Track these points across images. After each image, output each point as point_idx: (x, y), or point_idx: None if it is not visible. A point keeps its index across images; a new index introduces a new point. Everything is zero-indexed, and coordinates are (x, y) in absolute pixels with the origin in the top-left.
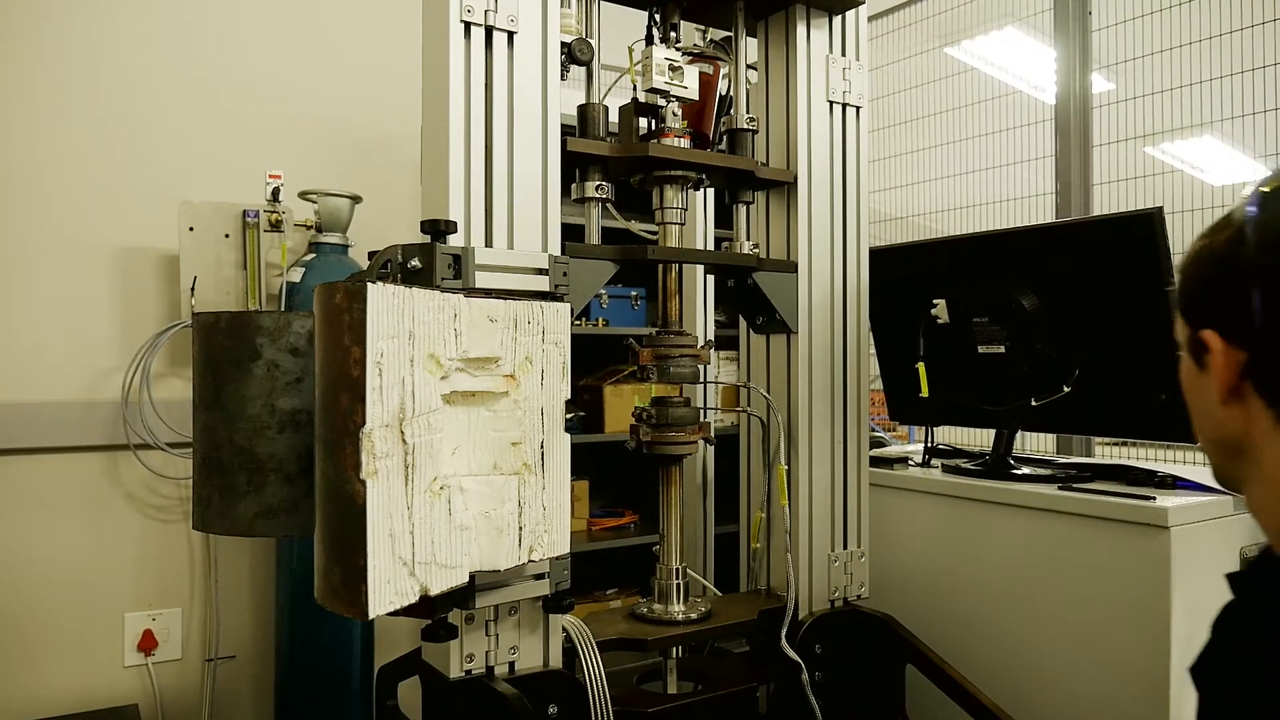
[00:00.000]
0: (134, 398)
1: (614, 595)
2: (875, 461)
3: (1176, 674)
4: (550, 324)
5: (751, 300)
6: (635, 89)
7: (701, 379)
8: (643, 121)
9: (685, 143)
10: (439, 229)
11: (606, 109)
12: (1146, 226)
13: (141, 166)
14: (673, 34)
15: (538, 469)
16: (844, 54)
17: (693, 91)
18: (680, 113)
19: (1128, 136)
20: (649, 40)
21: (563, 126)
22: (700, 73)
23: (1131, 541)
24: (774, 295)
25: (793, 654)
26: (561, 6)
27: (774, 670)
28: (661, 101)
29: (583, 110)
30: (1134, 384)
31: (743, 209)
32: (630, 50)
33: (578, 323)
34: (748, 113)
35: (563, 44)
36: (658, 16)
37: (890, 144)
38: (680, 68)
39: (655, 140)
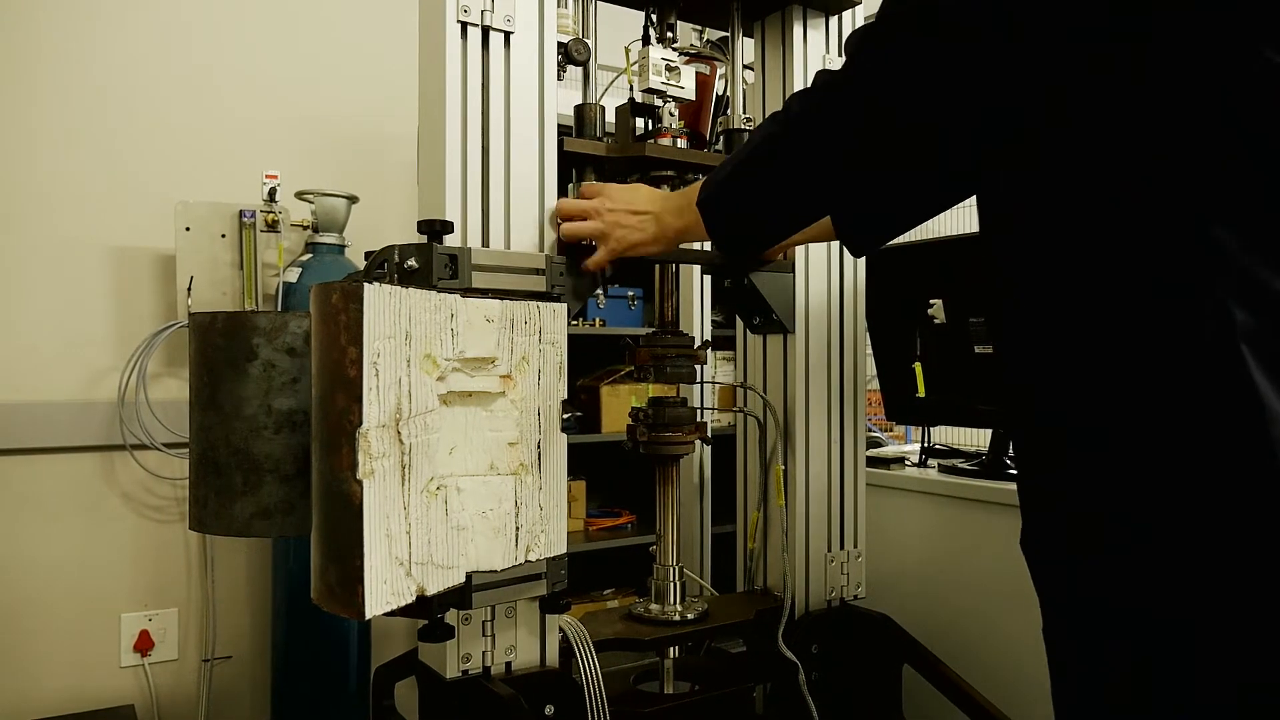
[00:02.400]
0: (130, 398)
1: (611, 595)
2: (872, 461)
3: None
4: (547, 324)
5: (748, 300)
6: (632, 89)
7: (698, 379)
8: (639, 121)
9: (682, 143)
10: (435, 229)
11: (603, 109)
12: None
13: (137, 166)
14: (669, 34)
15: (534, 469)
16: (840, 54)
17: (689, 92)
18: (677, 113)
19: None
20: (645, 40)
21: (559, 126)
22: (697, 73)
23: None
24: (770, 295)
25: (789, 654)
26: (558, 6)
27: (771, 670)
28: (658, 102)
29: (579, 110)
30: None
31: None
32: (627, 50)
33: (574, 323)
34: (744, 113)
35: (559, 44)
36: (654, 17)
37: None
38: (677, 68)
39: (652, 140)
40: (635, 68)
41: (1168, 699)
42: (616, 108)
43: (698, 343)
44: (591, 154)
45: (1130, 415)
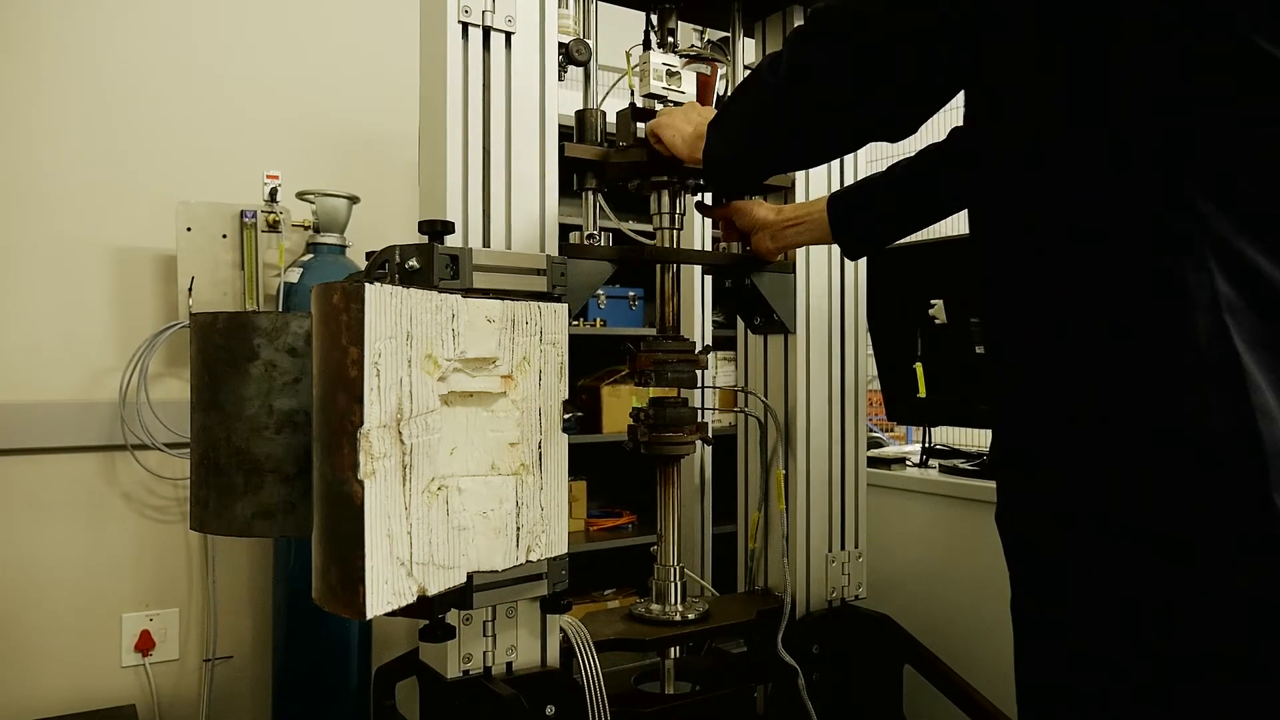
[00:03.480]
0: (131, 398)
1: (612, 595)
2: (873, 462)
3: None
4: (548, 324)
5: (749, 301)
6: (633, 93)
7: (699, 384)
8: (640, 125)
9: None
10: (436, 229)
11: (604, 114)
12: None
13: (138, 166)
14: (670, 39)
15: (535, 469)
16: None
17: (690, 96)
18: None
19: None
20: (646, 45)
21: (560, 127)
22: (698, 74)
23: None
24: (771, 296)
25: (789, 659)
26: (559, 7)
27: (772, 671)
28: (659, 106)
29: (580, 116)
30: None
31: None
32: (628, 55)
33: (575, 323)
34: None
35: (560, 44)
36: (655, 21)
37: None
38: (678, 73)
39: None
40: (636, 72)
41: (1167, 694)
42: (617, 113)
43: (699, 347)
44: (592, 159)
45: (1123, 391)
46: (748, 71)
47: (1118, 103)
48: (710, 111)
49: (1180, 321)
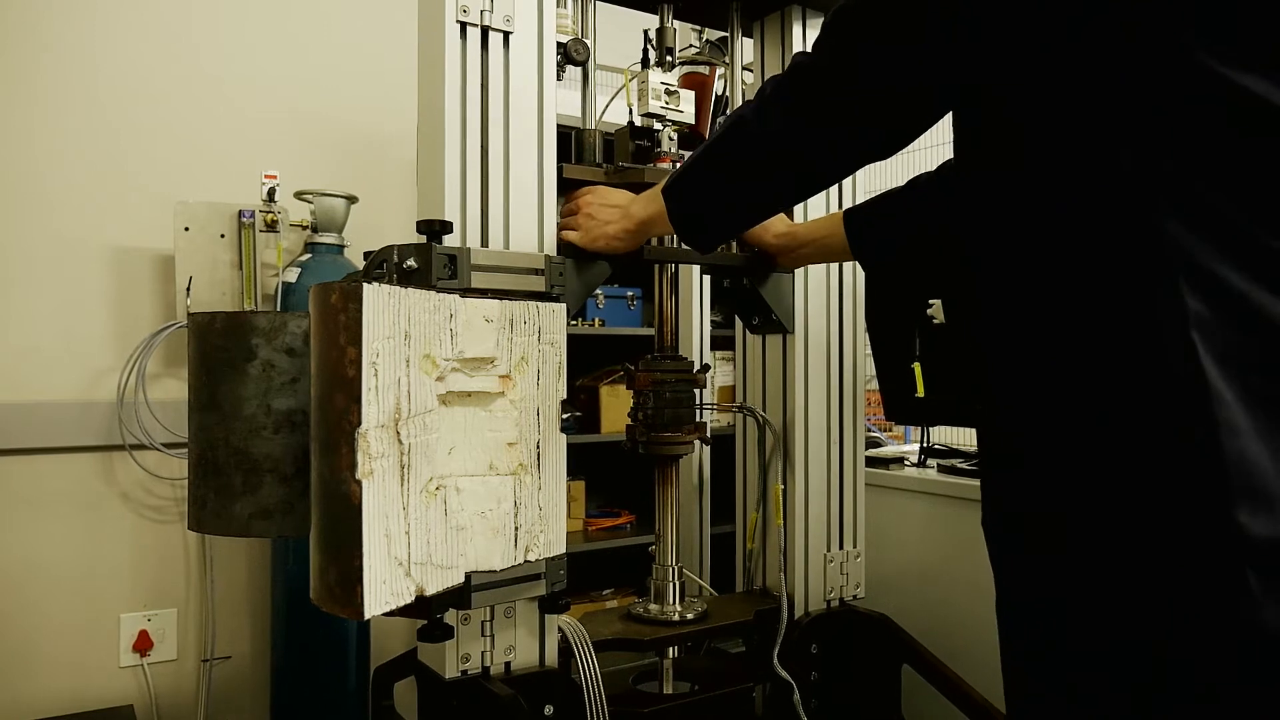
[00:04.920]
0: (129, 398)
1: (610, 595)
2: (871, 461)
3: None
4: (546, 324)
5: (748, 301)
6: (631, 112)
7: (698, 401)
8: (636, 143)
9: None
10: (435, 229)
11: (601, 133)
12: None
13: (137, 166)
14: (669, 58)
15: (534, 469)
16: None
17: (688, 116)
18: (676, 137)
19: None
20: (645, 63)
21: (558, 128)
22: (696, 74)
23: None
24: (770, 296)
25: (784, 674)
26: (557, 7)
27: (770, 672)
28: (658, 126)
29: (578, 136)
30: None
31: None
32: (626, 74)
33: (574, 323)
34: None
35: (558, 44)
36: (654, 39)
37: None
38: (676, 92)
39: (651, 165)
40: (634, 90)
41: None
42: (616, 131)
43: (696, 365)
44: (590, 180)
45: (1105, 404)
46: (746, 72)
47: (1093, 123)
48: (624, 194)
49: (1149, 337)
